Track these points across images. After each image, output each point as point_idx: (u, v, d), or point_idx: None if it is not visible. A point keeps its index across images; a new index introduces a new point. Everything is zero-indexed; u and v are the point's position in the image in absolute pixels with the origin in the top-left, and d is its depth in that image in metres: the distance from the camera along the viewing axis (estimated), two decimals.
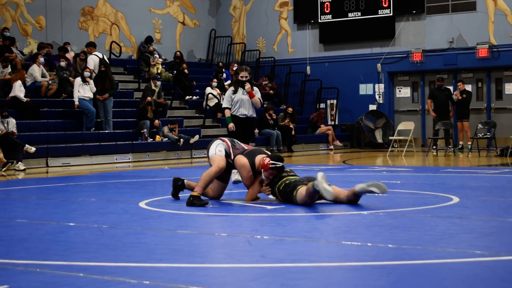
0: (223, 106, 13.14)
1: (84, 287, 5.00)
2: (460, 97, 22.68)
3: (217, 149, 9.95)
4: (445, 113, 22.85)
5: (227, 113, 12.91)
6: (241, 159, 9.85)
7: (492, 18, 24.67)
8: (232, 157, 9.94)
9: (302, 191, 9.16)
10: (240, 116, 12.87)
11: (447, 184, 12.23)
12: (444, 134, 22.69)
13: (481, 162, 18.73)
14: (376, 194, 9.09)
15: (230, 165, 10.01)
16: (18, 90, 19.94)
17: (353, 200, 9.30)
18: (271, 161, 9.60)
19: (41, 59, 21.67)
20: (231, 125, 12.82)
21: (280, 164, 9.62)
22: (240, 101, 12.83)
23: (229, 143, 10.10)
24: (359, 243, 6.56)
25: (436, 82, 23.90)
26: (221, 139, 10.20)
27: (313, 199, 9.18)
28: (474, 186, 11.86)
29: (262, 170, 9.62)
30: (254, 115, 13.10)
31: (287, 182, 9.48)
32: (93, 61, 22.30)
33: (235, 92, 12.86)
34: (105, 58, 22.92)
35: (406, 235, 6.97)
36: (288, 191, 9.38)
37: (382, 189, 8.98)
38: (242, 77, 12.79)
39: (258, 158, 9.76)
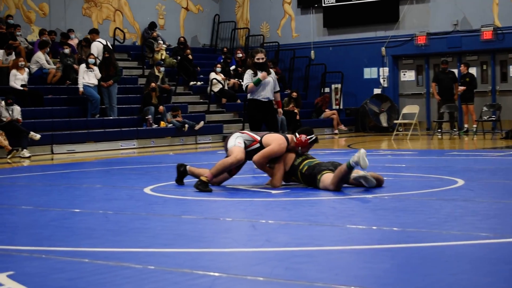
0: (244, 84, 12.73)
1: (89, 272, 5.01)
2: (462, 92, 22.63)
3: (237, 141, 9.75)
4: (449, 96, 22.80)
5: (251, 85, 12.55)
6: (274, 134, 9.84)
7: (496, 0, 24.58)
8: (259, 138, 9.75)
9: (328, 176, 9.12)
10: (262, 99, 12.71)
11: (452, 167, 12.23)
12: (449, 117, 22.65)
13: (486, 144, 18.71)
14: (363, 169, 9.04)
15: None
16: (13, 79, 19.90)
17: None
18: (307, 137, 9.67)
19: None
20: (263, 74, 12.48)
21: (314, 136, 9.76)
22: (262, 85, 12.65)
23: (249, 132, 10.00)
24: (364, 226, 6.56)
25: (440, 65, 23.83)
26: (240, 132, 10.08)
27: (342, 182, 9.07)
28: (479, 169, 11.85)
29: (300, 147, 9.60)
30: (272, 98, 12.90)
31: (311, 165, 9.46)
32: (96, 47, 22.27)
33: (255, 75, 12.61)
34: (109, 44, 22.90)
35: (410, 218, 6.97)
36: (312, 174, 9.35)
37: (364, 163, 8.91)
38: (258, 59, 12.56)
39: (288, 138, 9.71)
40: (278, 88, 13.01)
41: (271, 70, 12.92)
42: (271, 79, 12.70)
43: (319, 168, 9.32)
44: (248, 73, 12.71)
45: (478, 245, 5.67)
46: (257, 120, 12.83)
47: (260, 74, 12.49)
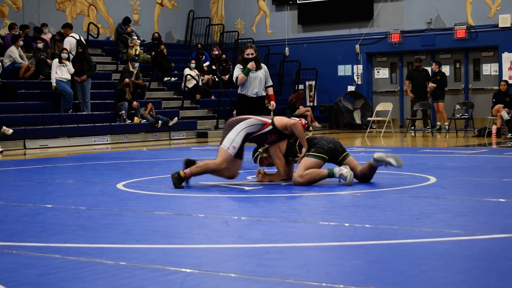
0: (235, 76, 12.66)
1: (60, 268, 4.98)
2: (433, 88, 22.77)
3: (235, 142, 9.45)
4: (422, 94, 22.96)
5: (241, 75, 12.46)
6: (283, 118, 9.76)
7: None
8: (270, 120, 9.58)
9: (311, 162, 9.28)
10: (251, 95, 12.62)
11: (424, 164, 12.29)
12: (422, 115, 22.77)
13: (459, 142, 18.82)
14: (394, 166, 9.21)
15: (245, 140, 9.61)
16: None
17: (368, 176, 9.51)
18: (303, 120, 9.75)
19: (20, 42, 21.51)
20: (251, 63, 12.36)
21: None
22: (249, 80, 12.55)
23: (257, 117, 9.74)
24: (336, 223, 6.58)
25: (414, 63, 23.94)
26: (247, 119, 9.67)
27: (313, 183, 9.34)
28: (451, 166, 11.92)
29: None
30: (264, 94, 12.83)
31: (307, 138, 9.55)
32: (69, 42, 22.15)
33: (243, 70, 12.52)
34: (82, 39, 22.78)
35: (383, 215, 7.00)
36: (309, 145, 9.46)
37: (400, 163, 9.17)
38: (248, 54, 12.43)
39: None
40: (270, 83, 12.91)
41: (263, 65, 12.82)
42: (261, 74, 12.62)
43: (313, 144, 9.41)
44: (238, 67, 12.63)
45: (449, 242, 5.70)
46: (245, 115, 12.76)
47: (249, 64, 12.40)
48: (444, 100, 23.03)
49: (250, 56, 12.42)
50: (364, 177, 9.54)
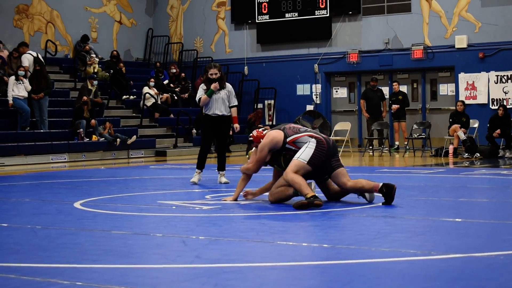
0: (198, 97, 12.59)
1: None
2: (396, 110, 23.00)
3: (306, 151, 9.29)
4: (377, 113, 23.16)
5: (204, 97, 12.42)
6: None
7: (426, 20, 24.99)
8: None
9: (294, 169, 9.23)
10: (213, 115, 12.55)
11: None
12: (378, 134, 22.92)
13: (416, 162, 18.96)
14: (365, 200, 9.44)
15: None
16: None
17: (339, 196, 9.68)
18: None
19: None
20: (214, 84, 12.36)
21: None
22: (212, 100, 12.48)
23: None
24: (294, 243, 6.58)
25: (370, 83, 24.11)
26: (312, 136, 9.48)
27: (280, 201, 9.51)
28: (408, 186, 11.99)
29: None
30: (228, 113, 12.72)
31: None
32: (27, 59, 22.00)
33: (207, 90, 12.47)
34: (40, 56, 22.63)
35: (340, 234, 7.02)
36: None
37: (372, 198, 9.43)
38: (211, 74, 12.45)
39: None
40: (234, 103, 12.83)
41: (228, 84, 12.85)
42: (224, 94, 12.56)
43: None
44: (201, 88, 12.58)
45: (406, 262, 5.73)
46: (208, 135, 12.79)
47: (212, 85, 12.39)
48: (406, 120, 23.27)
49: (214, 76, 12.43)
50: (336, 196, 9.64)
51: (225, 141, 13.06)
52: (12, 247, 6.62)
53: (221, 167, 12.90)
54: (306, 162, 9.21)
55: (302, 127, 9.66)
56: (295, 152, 9.35)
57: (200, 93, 12.53)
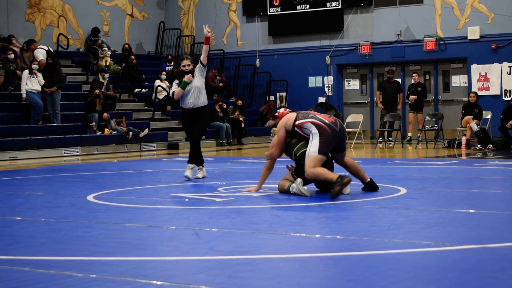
0: (172, 91, 12.31)
1: (29, 281, 4.94)
2: (413, 102, 22.93)
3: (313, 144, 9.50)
4: (393, 105, 23.08)
5: (178, 89, 12.05)
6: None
7: (439, 11, 24.90)
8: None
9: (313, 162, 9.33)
10: (189, 108, 12.20)
11: (394, 175, 12.34)
12: (388, 126, 22.84)
13: (429, 153, 18.92)
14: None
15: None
16: None
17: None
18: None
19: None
20: (187, 76, 12.03)
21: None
22: (187, 92, 12.13)
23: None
24: (307, 234, 6.58)
25: (386, 74, 24.07)
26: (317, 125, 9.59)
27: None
28: (421, 178, 11.97)
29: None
30: (206, 103, 12.33)
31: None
32: (41, 54, 22.05)
33: (179, 84, 12.18)
34: (51, 50, 22.64)
35: (353, 226, 7.02)
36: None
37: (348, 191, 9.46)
38: (184, 66, 12.14)
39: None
40: (204, 73, 12.33)
41: (198, 66, 12.32)
42: (197, 83, 12.20)
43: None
44: (175, 82, 12.26)
45: (420, 253, 5.72)
46: (187, 127, 12.44)
47: (185, 77, 12.08)
48: (422, 111, 23.19)
49: (187, 68, 12.14)
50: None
51: (199, 134, 12.43)
52: (26, 240, 6.65)
53: (192, 160, 12.29)
54: (317, 153, 9.27)
55: (312, 113, 9.71)
56: (303, 137, 9.57)
57: (174, 87, 12.22)
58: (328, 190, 9.45)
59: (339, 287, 4.68)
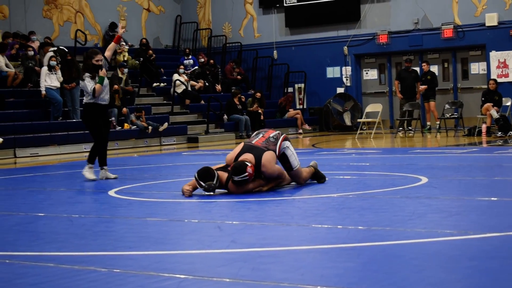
0: (90, 88, 11.59)
1: (53, 277, 4.97)
2: (423, 91, 22.84)
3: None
4: (412, 94, 22.99)
5: (98, 86, 11.57)
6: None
7: None
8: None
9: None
10: (102, 103, 11.76)
11: (415, 164, 12.31)
12: (408, 115, 22.75)
13: (449, 142, 18.86)
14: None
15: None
16: None
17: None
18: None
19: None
20: (103, 71, 11.66)
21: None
22: (103, 87, 11.73)
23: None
24: (329, 225, 6.58)
25: (404, 64, 24.00)
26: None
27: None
28: (442, 166, 11.93)
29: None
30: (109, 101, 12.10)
31: None
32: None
33: (93, 78, 11.66)
34: (63, 48, 22.48)
35: (375, 216, 7.01)
36: None
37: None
38: (97, 60, 11.62)
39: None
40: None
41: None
42: (107, 80, 11.97)
43: None
44: (87, 77, 11.65)
45: (442, 242, 5.71)
46: (99, 125, 11.82)
47: (101, 72, 11.65)
48: (435, 99, 23.06)
49: (100, 63, 11.67)
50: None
51: (109, 130, 12.17)
52: (49, 236, 6.68)
53: (104, 161, 11.97)
54: (298, 163, 9.51)
55: (264, 137, 9.41)
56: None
57: (91, 84, 11.62)
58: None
59: (362, 278, 4.68)
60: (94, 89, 11.61)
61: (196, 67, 26.85)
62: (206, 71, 26.61)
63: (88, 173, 11.73)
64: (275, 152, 9.15)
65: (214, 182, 8.84)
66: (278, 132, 9.49)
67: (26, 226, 7.31)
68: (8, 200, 9.84)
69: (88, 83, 11.62)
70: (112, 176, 11.82)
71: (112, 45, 12.15)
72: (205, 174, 8.87)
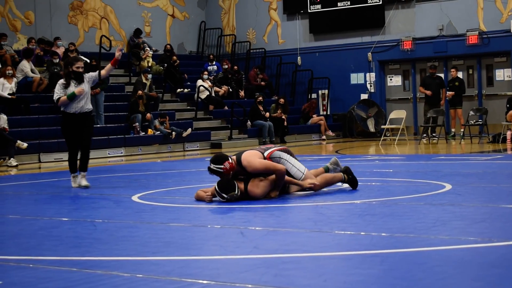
0: (56, 96, 11.42)
1: (77, 281, 4.99)
2: (450, 97, 22.72)
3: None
4: (436, 101, 22.87)
5: (63, 98, 11.28)
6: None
7: (481, 5, 24.67)
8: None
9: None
10: (69, 112, 11.37)
11: (439, 171, 12.26)
12: (432, 121, 22.62)
13: (473, 149, 18.76)
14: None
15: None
16: (0, 88, 19.82)
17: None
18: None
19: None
20: (79, 89, 11.22)
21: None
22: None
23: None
24: (352, 232, 6.56)
25: (428, 70, 23.90)
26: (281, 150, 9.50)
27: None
28: (466, 173, 11.88)
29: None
30: (90, 108, 11.60)
31: None
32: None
33: (66, 86, 11.32)
34: (85, 58, 22.50)
35: (398, 223, 6.98)
36: None
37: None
38: (78, 67, 11.29)
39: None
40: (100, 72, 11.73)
41: (85, 75, 11.58)
42: (86, 87, 11.45)
43: None
44: (60, 83, 11.41)
45: (466, 249, 5.68)
46: (70, 134, 11.57)
47: (76, 89, 11.24)
48: (462, 107, 22.92)
49: (81, 70, 11.36)
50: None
51: (90, 139, 11.78)
52: (73, 240, 6.71)
53: (83, 167, 11.65)
54: (305, 171, 9.45)
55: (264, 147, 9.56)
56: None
57: (59, 93, 11.36)
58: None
59: (385, 285, 4.67)
60: (58, 99, 11.39)
61: (219, 72, 26.89)
62: (228, 75, 26.65)
63: (73, 182, 11.64)
64: (262, 154, 9.18)
65: (236, 192, 8.87)
66: (283, 147, 9.59)
67: (50, 231, 7.35)
68: (32, 205, 9.90)
69: (57, 90, 11.40)
70: (84, 183, 11.52)
71: (108, 66, 11.90)
72: (226, 186, 8.90)
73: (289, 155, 9.38)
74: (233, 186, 8.88)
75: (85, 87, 11.45)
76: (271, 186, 9.13)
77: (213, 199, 9.10)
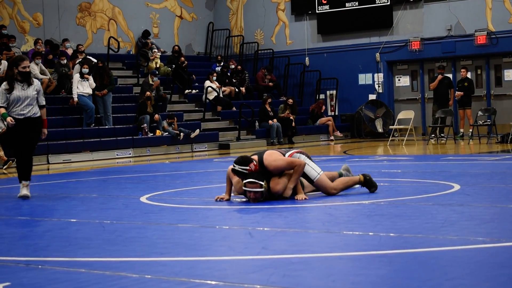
0: None
1: (86, 282, 5.00)
2: (459, 98, 22.65)
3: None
4: (444, 101, 22.83)
5: (1, 110, 10.46)
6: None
7: (489, 5, 24.63)
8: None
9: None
10: (17, 117, 10.48)
11: (447, 171, 12.23)
12: (440, 122, 22.57)
13: (482, 149, 18.72)
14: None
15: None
16: None
17: None
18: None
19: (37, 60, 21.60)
20: (9, 118, 10.38)
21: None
22: (17, 99, 10.49)
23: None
24: (361, 232, 6.56)
25: (436, 71, 23.86)
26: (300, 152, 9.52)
27: None
28: (475, 173, 11.85)
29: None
30: (38, 114, 10.69)
31: None
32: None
33: (10, 90, 10.50)
34: (90, 58, 22.50)
35: (407, 223, 6.97)
36: None
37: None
38: (24, 67, 10.49)
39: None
40: (43, 103, 10.82)
41: (36, 80, 10.85)
42: (32, 92, 10.59)
43: None
44: (2, 88, 10.52)
45: (475, 249, 5.67)
46: (14, 140, 10.68)
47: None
48: (471, 107, 22.86)
49: (27, 70, 10.59)
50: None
51: (34, 146, 10.90)
52: (81, 242, 6.72)
53: (25, 176, 10.72)
54: (321, 173, 9.35)
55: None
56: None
57: (0, 100, 10.48)
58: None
59: (394, 285, 4.66)
60: None
61: (218, 69, 26.82)
62: (231, 73, 26.66)
63: (24, 191, 10.73)
64: (283, 155, 9.26)
65: (265, 185, 8.92)
66: (300, 150, 9.62)
67: (59, 232, 7.36)
68: (41, 206, 9.91)
69: (0, 95, 10.54)
70: (23, 193, 10.60)
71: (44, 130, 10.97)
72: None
73: (306, 157, 9.40)
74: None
75: (31, 89, 10.61)
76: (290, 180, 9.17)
77: (235, 199, 9.12)
